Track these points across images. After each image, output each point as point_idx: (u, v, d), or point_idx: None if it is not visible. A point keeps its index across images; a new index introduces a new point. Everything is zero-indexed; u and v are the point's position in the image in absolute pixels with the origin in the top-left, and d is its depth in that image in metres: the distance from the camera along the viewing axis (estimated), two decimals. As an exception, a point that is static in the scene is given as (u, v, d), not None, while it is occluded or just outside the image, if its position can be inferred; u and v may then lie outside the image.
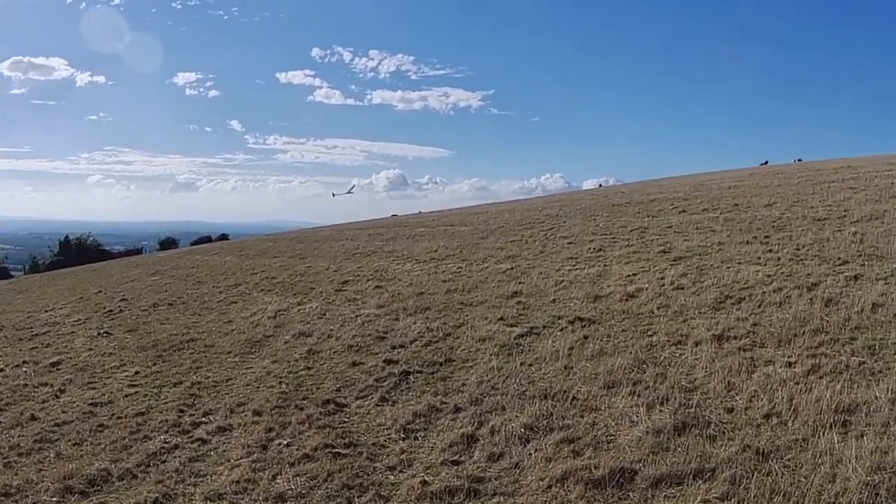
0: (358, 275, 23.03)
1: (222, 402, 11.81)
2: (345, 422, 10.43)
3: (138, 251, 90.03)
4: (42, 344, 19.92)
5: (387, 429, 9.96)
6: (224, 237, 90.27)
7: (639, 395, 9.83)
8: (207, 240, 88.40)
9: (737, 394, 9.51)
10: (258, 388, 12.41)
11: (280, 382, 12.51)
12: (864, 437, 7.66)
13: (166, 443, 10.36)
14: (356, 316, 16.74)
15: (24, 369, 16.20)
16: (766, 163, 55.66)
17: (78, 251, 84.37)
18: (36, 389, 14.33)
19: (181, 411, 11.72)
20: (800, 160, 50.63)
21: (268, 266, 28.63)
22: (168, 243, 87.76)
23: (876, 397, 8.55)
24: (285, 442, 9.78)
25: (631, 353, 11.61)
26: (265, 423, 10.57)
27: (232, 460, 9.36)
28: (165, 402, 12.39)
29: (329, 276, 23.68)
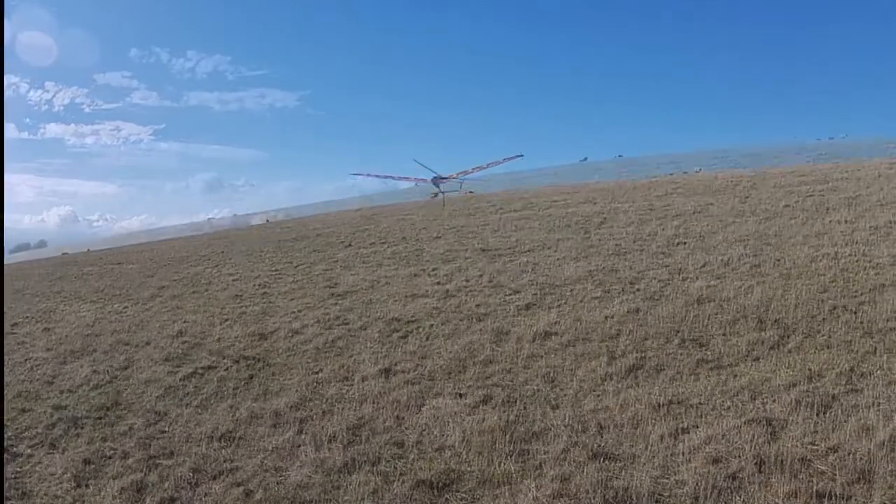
0: (27, 316, 21.02)
1: None
2: (18, 471, 9.82)
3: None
4: None
5: (58, 477, 9.43)
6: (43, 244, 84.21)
7: (306, 433, 9.62)
8: (27, 247, 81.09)
9: (407, 428, 9.40)
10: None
11: (-49, 433, 11.35)
12: (544, 466, 7.73)
13: None
14: (25, 360, 15.63)
15: None
16: (586, 159, 58.08)
17: None
18: None
19: None
20: (620, 156, 53.41)
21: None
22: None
23: (553, 424, 8.69)
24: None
25: (297, 391, 11.40)
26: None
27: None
28: None
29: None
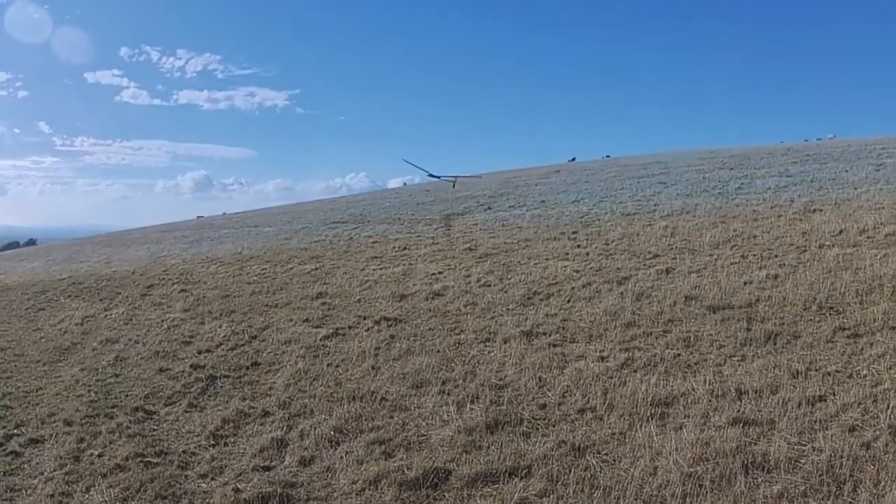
0: (163, 278, 22.65)
1: (33, 413, 11.33)
2: (154, 429, 10.28)
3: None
4: None
5: (196, 435, 9.88)
6: (32, 242, 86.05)
7: (448, 394, 9.98)
8: (15, 245, 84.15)
9: (549, 390, 9.70)
10: (68, 397, 12.07)
11: (89, 391, 12.21)
12: (684, 429, 7.91)
13: (-21, 458, 9.91)
14: (162, 321, 16.63)
15: None
16: (574, 159, 57.55)
17: None
18: None
19: (-7, 424, 11.21)
20: (608, 156, 52.76)
21: (74, 271, 27.66)
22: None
23: (693, 389, 8.88)
24: (97, 452, 9.53)
25: (438, 351, 11.81)
26: (76, 433, 10.25)
27: (45, 473, 9.04)
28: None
29: (135, 280, 23.14)
